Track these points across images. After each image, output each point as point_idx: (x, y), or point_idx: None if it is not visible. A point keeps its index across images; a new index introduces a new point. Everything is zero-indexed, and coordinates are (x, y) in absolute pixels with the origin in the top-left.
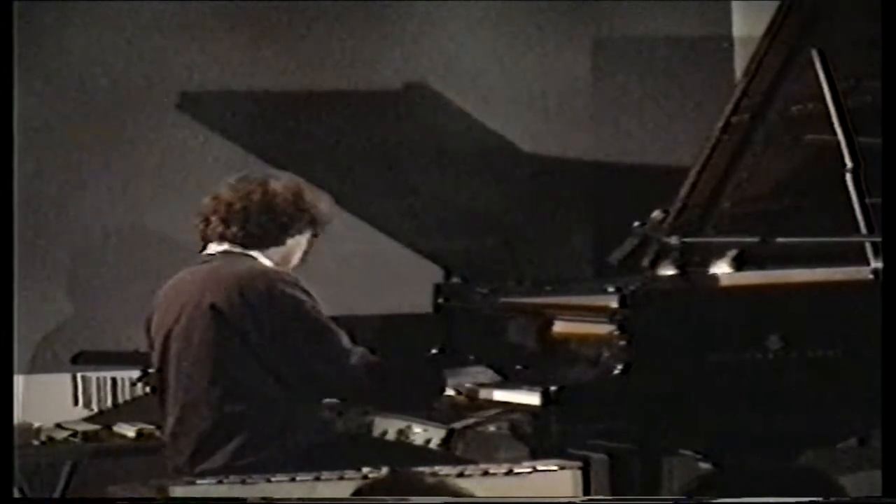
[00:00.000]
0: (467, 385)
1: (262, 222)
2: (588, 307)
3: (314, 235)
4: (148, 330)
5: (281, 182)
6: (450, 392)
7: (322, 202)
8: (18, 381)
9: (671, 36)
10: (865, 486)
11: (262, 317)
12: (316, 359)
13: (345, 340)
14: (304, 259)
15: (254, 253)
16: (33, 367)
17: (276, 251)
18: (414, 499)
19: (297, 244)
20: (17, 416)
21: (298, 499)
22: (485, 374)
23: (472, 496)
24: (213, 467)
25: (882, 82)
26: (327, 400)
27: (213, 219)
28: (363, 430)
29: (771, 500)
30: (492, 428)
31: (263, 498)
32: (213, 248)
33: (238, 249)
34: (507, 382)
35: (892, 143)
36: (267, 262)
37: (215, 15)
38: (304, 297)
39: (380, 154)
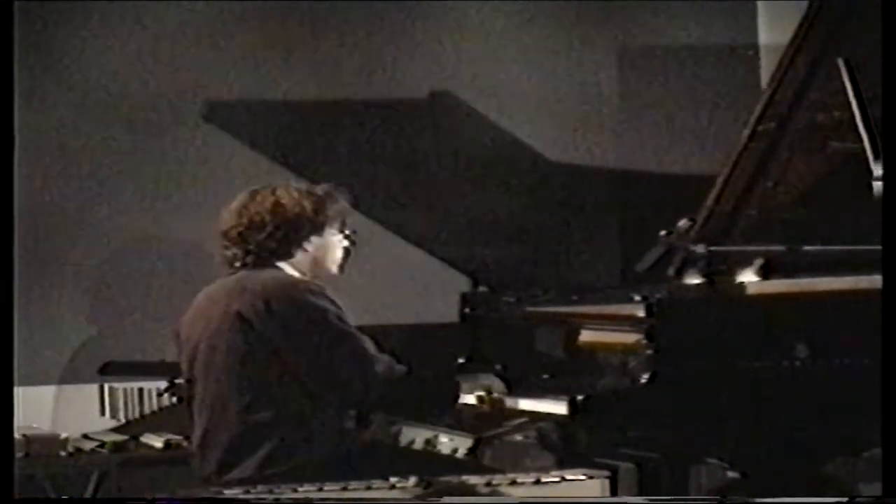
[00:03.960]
0: (493, 394)
1: (265, 241)
2: (614, 316)
3: (344, 235)
4: (177, 339)
5: (272, 196)
6: (472, 401)
7: (329, 201)
8: (49, 392)
9: (697, 44)
10: None
11: (288, 325)
12: (341, 366)
13: (370, 348)
14: (343, 262)
15: (281, 263)
16: (60, 378)
17: (301, 261)
18: (444, 499)
19: (324, 247)
20: (48, 427)
21: (322, 500)
22: (494, 382)
23: None
24: (240, 476)
25: (882, 82)
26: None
27: (223, 249)
28: (390, 439)
29: (796, 500)
30: (519, 437)
31: (276, 500)
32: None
33: (272, 262)
34: (532, 391)
35: (892, 144)
36: (294, 273)
37: (241, 24)
38: (329, 305)
39: (405, 163)
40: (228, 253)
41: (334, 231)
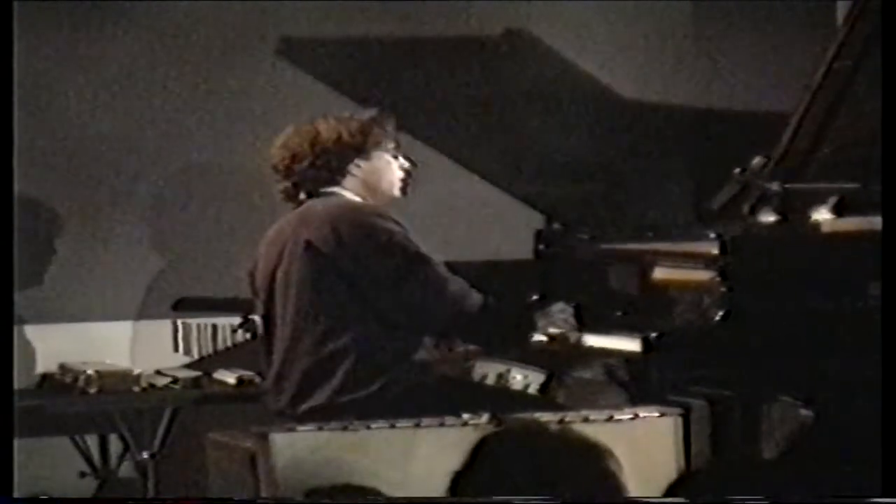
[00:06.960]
0: (564, 331)
1: (306, 171)
2: (688, 253)
3: (394, 157)
4: (252, 280)
5: (312, 127)
6: (542, 338)
7: (373, 125)
8: (125, 328)
9: None
10: None
11: (357, 250)
12: (414, 288)
13: (442, 269)
14: (405, 185)
15: (337, 189)
16: (136, 314)
17: (354, 186)
18: (463, 499)
19: (374, 171)
20: (125, 363)
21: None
22: (565, 313)
23: (596, 443)
24: (314, 405)
25: (882, 80)
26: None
27: (276, 184)
28: (462, 373)
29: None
30: (589, 374)
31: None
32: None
33: (323, 190)
34: (605, 329)
35: (892, 139)
36: (354, 197)
37: None
38: (396, 227)
39: (480, 100)
40: (280, 186)
41: (382, 153)
